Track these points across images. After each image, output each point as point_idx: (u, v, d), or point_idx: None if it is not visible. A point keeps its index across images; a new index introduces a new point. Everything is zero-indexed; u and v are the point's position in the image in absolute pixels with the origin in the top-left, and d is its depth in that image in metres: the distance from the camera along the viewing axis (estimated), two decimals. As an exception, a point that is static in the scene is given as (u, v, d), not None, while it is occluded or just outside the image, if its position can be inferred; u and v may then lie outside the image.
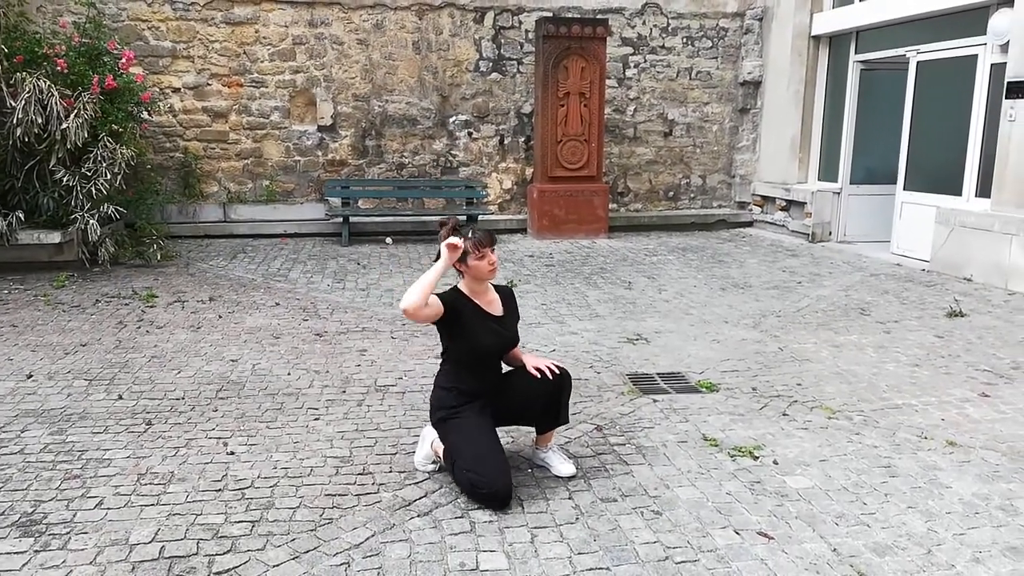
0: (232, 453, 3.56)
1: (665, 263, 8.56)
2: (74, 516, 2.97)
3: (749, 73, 11.16)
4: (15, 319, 5.75)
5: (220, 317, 5.94)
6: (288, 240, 9.49)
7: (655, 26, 10.88)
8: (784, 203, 10.64)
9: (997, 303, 6.74)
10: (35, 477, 3.28)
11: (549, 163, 9.96)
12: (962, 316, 6.24)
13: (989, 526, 3.01)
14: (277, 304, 6.41)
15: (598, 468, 3.49)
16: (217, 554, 2.72)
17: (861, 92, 9.74)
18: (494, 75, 10.47)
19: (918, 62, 8.58)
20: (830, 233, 9.94)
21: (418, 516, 3.01)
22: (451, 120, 10.43)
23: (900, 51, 8.84)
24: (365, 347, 5.26)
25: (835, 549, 2.84)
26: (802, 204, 10.22)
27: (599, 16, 10.28)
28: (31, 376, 4.54)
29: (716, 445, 3.76)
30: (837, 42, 10.13)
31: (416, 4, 9.98)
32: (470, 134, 10.53)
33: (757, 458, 3.61)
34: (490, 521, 2.98)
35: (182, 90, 9.58)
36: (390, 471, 3.40)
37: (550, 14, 10.16)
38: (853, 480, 3.40)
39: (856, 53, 9.71)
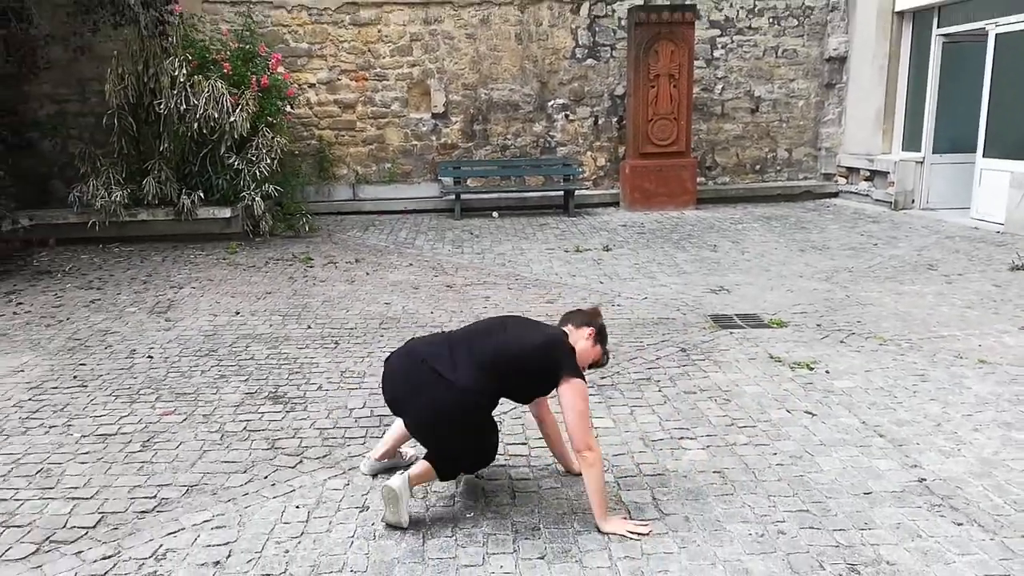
0: (403, 361, 4.74)
1: (749, 230, 9.32)
2: (304, 394, 4.21)
3: (835, 49, 11.64)
4: (210, 275, 7.19)
5: (368, 274, 7.20)
6: (408, 215, 10.76)
7: (742, 8, 11.52)
8: (868, 173, 11.13)
9: (1063, 259, 7.23)
10: (268, 372, 4.56)
11: (640, 140, 10.83)
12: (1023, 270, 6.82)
13: (993, 411, 3.84)
14: (410, 264, 7.63)
15: (681, 374, 4.48)
16: (409, 416, 3.87)
17: (943, 64, 10.13)
18: (589, 61, 11.39)
19: (997, 34, 8.97)
20: (913, 201, 10.41)
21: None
22: (549, 104, 11.44)
23: (980, 24, 9.25)
24: (488, 295, 6.39)
25: (864, 422, 3.74)
26: (885, 174, 10.71)
27: (687, 2, 11.02)
28: (238, 313, 5.90)
29: (779, 361, 4.67)
30: (920, 17, 10.52)
31: (518, -1, 11.03)
32: (567, 116, 11.51)
33: (812, 369, 4.51)
34: (599, 401, 4.03)
35: (316, 85, 10.97)
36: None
37: (641, 2, 10.98)
38: (889, 383, 4.26)
39: (938, 27, 10.11)
